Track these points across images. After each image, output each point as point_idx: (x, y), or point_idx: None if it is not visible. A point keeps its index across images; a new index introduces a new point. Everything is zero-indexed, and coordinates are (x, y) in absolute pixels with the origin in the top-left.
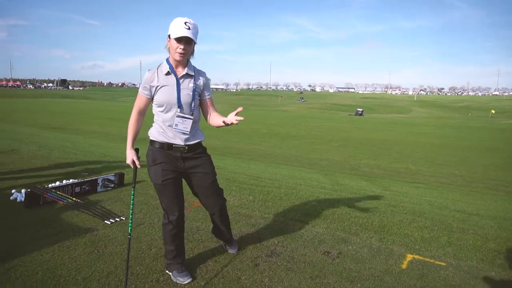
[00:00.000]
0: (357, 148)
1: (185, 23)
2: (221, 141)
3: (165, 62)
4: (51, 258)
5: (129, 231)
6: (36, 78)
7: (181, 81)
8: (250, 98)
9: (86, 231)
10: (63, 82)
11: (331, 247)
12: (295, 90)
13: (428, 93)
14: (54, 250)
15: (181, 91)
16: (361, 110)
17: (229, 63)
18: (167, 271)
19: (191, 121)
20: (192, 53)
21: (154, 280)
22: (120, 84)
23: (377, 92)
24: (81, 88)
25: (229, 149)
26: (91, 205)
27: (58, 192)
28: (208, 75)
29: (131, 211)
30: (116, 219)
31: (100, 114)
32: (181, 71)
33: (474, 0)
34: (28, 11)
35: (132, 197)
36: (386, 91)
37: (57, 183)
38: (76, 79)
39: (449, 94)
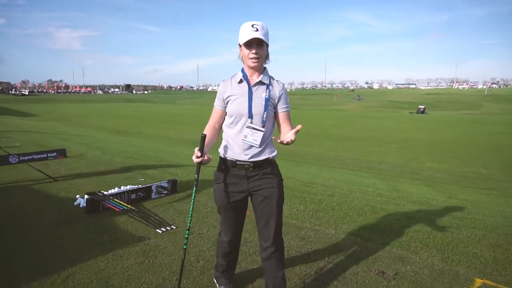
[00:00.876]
0: (419, 150)
1: (252, 25)
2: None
3: (239, 71)
4: (105, 267)
5: (185, 242)
6: (105, 84)
7: (254, 89)
8: (305, 98)
9: (138, 240)
10: (128, 87)
11: (387, 267)
12: (351, 88)
13: (501, 86)
14: (109, 259)
15: (253, 100)
16: (423, 107)
17: (283, 63)
18: (214, 280)
19: (262, 133)
20: (267, 57)
21: None
22: (178, 87)
23: (442, 87)
24: (144, 92)
25: (281, 151)
26: (145, 213)
27: (115, 199)
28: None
29: (189, 218)
30: (167, 228)
31: (160, 117)
32: (255, 79)
33: None
34: (97, 22)
35: (192, 201)
36: (452, 85)
37: (116, 189)
38: (139, 84)
39: None
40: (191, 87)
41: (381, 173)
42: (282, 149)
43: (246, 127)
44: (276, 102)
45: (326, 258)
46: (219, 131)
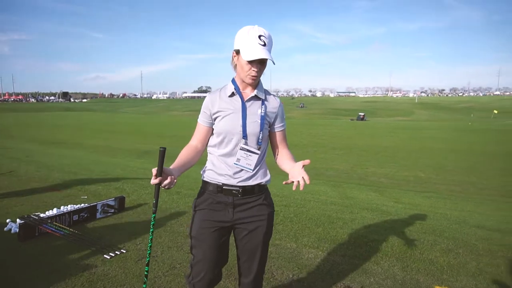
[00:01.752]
0: (362, 156)
1: (259, 37)
2: None
3: (230, 82)
4: None
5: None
6: (39, 92)
7: (248, 104)
8: None
9: (83, 269)
10: (65, 95)
11: (352, 280)
12: (296, 96)
13: (429, 95)
14: None
15: (248, 117)
16: (363, 114)
17: (230, 71)
18: None
19: (257, 156)
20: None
21: None
22: (121, 95)
23: (378, 95)
24: (83, 100)
25: None
26: (90, 237)
27: (54, 222)
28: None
29: (148, 251)
30: (116, 252)
31: (102, 126)
32: (249, 93)
33: (474, 1)
34: (30, 25)
35: (151, 235)
36: (387, 94)
37: (55, 210)
38: (77, 91)
39: (450, 95)
40: (135, 95)
41: (329, 179)
42: None
43: (240, 149)
44: (272, 120)
45: (291, 276)
46: (202, 152)
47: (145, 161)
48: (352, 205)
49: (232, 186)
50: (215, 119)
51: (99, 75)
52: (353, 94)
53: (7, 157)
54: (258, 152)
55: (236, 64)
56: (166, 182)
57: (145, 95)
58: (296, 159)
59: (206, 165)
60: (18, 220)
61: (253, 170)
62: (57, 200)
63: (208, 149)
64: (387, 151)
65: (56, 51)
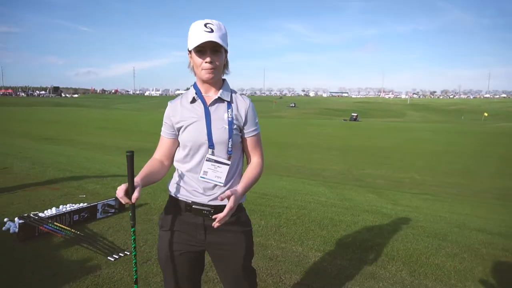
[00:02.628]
0: (357, 157)
1: (206, 25)
2: None
3: (191, 87)
4: None
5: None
6: (29, 86)
7: (212, 109)
8: None
9: (87, 271)
10: (56, 90)
11: (361, 285)
12: (289, 95)
13: (420, 97)
14: None
15: (213, 123)
16: (356, 115)
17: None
18: None
19: (227, 167)
20: (226, 66)
21: None
22: (113, 91)
23: (370, 96)
24: (74, 96)
25: None
26: (92, 237)
27: (55, 223)
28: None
29: (134, 260)
30: (120, 254)
31: (94, 123)
32: (212, 96)
33: (466, 4)
34: (20, 18)
35: (133, 243)
36: (379, 95)
37: (54, 209)
38: (69, 86)
39: (441, 97)
40: (127, 91)
41: (326, 180)
42: None
43: (206, 160)
44: (242, 124)
45: (299, 279)
46: (168, 168)
47: (141, 159)
48: (352, 207)
49: (202, 205)
50: (178, 130)
51: (90, 70)
52: (345, 95)
53: (0, 153)
54: (228, 162)
55: (192, 66)
56: (135, 195)
57: (138, 92)
58: (293, 159)
59: (173, 178)
60: (17, 219)
61: (225, 184)
62: (54, 198)
63: (175, 163)
64: (382, 152)
65: (46, 44)
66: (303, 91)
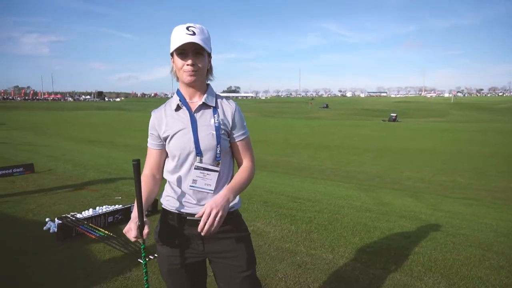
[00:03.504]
0: (396, 159)
1: (188, 28)
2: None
3: (175, 94)
4: None
5: None
6: (75, 91)
7: (197, 115)
8: (280, 106)
9: (118, 273)
10: (100, 94)
11: None
12: (325, 96)
13: (466, 95)
14: None
15: (199, 129)
16: (395, 115)
17: (258, 71)
18: None
19: (216, 174)
20: (209, 71)
21: None
22: (153, 95)
23: (411, 95)
24: (117, 100)
25: (263, 162)
26: (124, 239)
27: (90, 224)
28: (235, 99)
29: (145, 277)
30: (150, 256)
31: (133, 125)
32: (197, 101)
33: None
34: (67, 27)
35: (143, 260)
36: (420, 94)
37: (90, 210)
38: (112, 91)
39: (489, 95)
40: (166, 94)
41: (362, 183)
42: (259, 159)
43: (194, 169)
44: (229, 128)
45: None
46: (160, 180)
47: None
48: (388, 213)
49: (197, 216)
50: (165, 139)
51: (131, 75)
52: (384, 94)
53: (45, 155)
54: (217, 169)
55: (175, 71)
56: (146, 231)
57: None
58: (328, 161)
59: (165, 191)
60: (56, 220)
61: (214, 191)
62: (92, 200)
63: (165, 175)
64: (422, 154)
65: (91, 51)
66: (340, 91)
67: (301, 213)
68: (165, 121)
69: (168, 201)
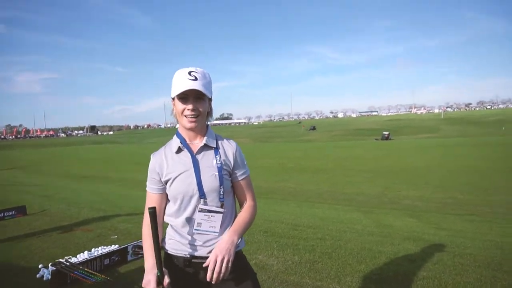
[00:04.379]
0: (392, 178)
1: (190, 73)
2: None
3: (175, 136)
4: None
5: None
6: (68, 126)
7: (199, 157)
8: (272, 130)
9: None
10: (93, 128)
11: None
12: (317, 118)
13: (455, 110)
14: None
15: (202, 171)
16: (387, 133)
17: (250, 97)
18: None
19: (221, 215)
20: (210, 113)
21: None
22: (146, 126)
23: (401, 113)
24: (110, 133)
25: (259, 188)
26: (122, 283)
27: (86, 269)
28: (232, 115)
29: None
30: None
31: (127, 158)
32: (198, 143)
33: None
34: (58, 64)
35: None
36: (411, 111)
37: (86, 253)
38: (104, 124)
39: (477, 108)
40: (159, 125)
41: (361, 205)
42: (255, 186)
43: (199, 211)
44: (231, 168)
45: None
46: (162, 224)
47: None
48: (391, 235)
49: (202, 258)
50: (166, 182)
51: (124, 107)
52: (375, 113)
53: (39, 195)
54: (222, 210)
55: (176, 113)
56: (167, 281)
57: (169, 125)
58: (323, 184)
59: (167, 234)
60: (50, 266)
61: (221, 233)
62: (87, 241)
63: (166, 218)
64: (418, 171)
65: (83, 86)
66: (331, 112)
67: (303, 242)
68: (166, 164)
69: (172, 245)
